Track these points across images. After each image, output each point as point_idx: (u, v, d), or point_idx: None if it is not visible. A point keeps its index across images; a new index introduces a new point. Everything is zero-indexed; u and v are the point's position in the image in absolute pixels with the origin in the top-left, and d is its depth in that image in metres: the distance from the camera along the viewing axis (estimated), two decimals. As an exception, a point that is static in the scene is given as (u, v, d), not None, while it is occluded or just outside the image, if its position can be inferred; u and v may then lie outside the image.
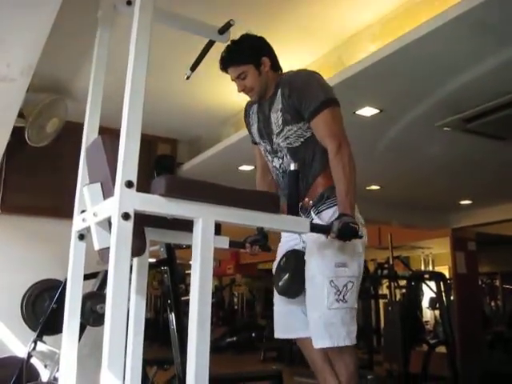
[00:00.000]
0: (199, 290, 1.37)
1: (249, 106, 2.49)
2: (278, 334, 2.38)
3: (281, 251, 2.39)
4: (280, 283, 2.26)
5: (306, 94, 2.18)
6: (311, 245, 2.19)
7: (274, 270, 2.37)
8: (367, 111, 3.85)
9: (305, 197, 2.22)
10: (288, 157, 2.27)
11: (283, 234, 2.42)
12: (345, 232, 1.90)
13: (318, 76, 2.28)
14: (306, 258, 2.19)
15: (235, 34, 2.19)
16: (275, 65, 2.32)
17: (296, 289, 2.22)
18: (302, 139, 2.24)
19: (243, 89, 2.29)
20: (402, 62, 3.12)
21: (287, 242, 2.37)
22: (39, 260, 4.38)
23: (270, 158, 2.39)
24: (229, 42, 2.23)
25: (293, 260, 2.24)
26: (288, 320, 2.33)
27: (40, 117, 4.00)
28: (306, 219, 1.66)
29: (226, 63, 2.28)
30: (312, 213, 2.20)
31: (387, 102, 3.76)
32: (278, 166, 2.34)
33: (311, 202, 2.22)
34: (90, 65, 1.86)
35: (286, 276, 2.23)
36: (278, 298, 2.35)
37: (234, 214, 1.47)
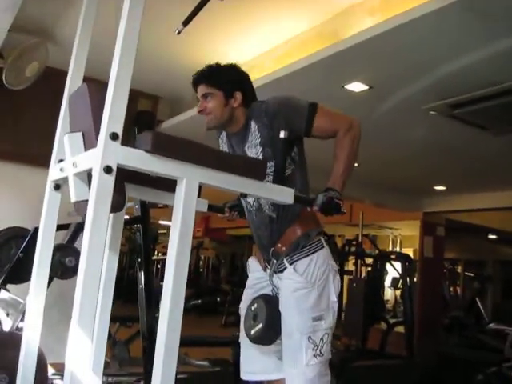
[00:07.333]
0: (177, 252, 1.34)
1: (219, 131, 2.35)
2: (248, 375, 2.30)
3: (248, 293, 2.30)
4: (253, 332, 2.16)
5: (290, 109, 2.08)
6: (287, 296, 2.10)
7: (241, 313, 2.27)
8: (356, 86, 3.79)
9: (278, 242, 2.14)
10: None
11: (251, 276, 2.34)
12: (328, 207, 1.88)
13: (288, 95, 2.18)
14: (281, 310, 2.11)
15: None
16: (247, 102, 2.18)
17: (271, 337, 2.15)
18: None
19: (203, 109, 2.15)
20: (396, 41, 3.06)
21: (255, 285, 2.29)
22: (7, 208, 4.28)
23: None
24: (213, 63, 2.17)
25: (265, 308, 2.14)
26: (260, 363, 2.26)
27: (20, 59, 3.85)
28: (291, 189, 1.62)
29: (199, 78, 2.17)
30: (286, 262, 2.10)
31: (378, 80, 3.72)
32: (251, 202, 2.21)
33: (284, 248, 2.12)
34: (76, 10, 1.78)
35: (260, 326, 2.13)
36: (246, 341, 2.24)
37: (220, 178, 1.44)
